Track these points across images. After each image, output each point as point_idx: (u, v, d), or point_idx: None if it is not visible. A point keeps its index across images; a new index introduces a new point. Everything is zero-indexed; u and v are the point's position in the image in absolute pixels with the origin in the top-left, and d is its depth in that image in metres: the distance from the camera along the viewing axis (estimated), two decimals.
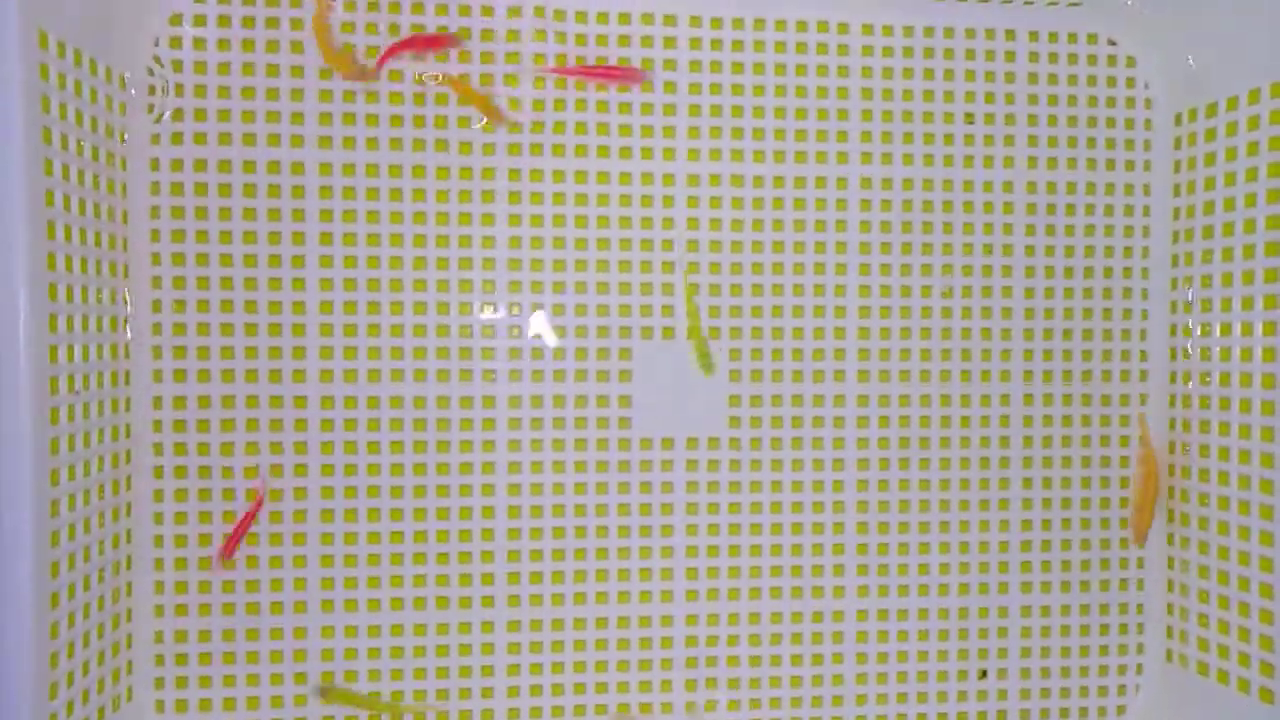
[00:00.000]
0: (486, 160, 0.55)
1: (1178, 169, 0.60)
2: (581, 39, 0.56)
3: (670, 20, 0.56)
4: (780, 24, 0.57)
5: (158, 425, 0.53)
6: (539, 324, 0.56)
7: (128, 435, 0.52)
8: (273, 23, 0.53)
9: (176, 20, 0.52)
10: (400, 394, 0.55)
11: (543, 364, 0.56)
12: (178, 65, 0.52)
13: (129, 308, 0.52)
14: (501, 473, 0.56)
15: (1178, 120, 0.60)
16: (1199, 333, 0.58)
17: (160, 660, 0.53)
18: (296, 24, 0.53)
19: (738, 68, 0.57)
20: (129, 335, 0.52)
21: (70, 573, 0.45)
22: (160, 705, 0.53)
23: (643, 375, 0.57)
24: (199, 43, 0.53)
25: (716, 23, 0.57)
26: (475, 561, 0.56)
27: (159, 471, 0.53)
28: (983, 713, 0.60)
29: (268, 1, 0.53)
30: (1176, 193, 0.60)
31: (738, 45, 0.57)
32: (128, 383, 0.52)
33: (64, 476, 0.45)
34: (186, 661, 0.53)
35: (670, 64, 0.57)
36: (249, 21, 0.53)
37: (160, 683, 0.53)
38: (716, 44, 0.57)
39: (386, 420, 0.55)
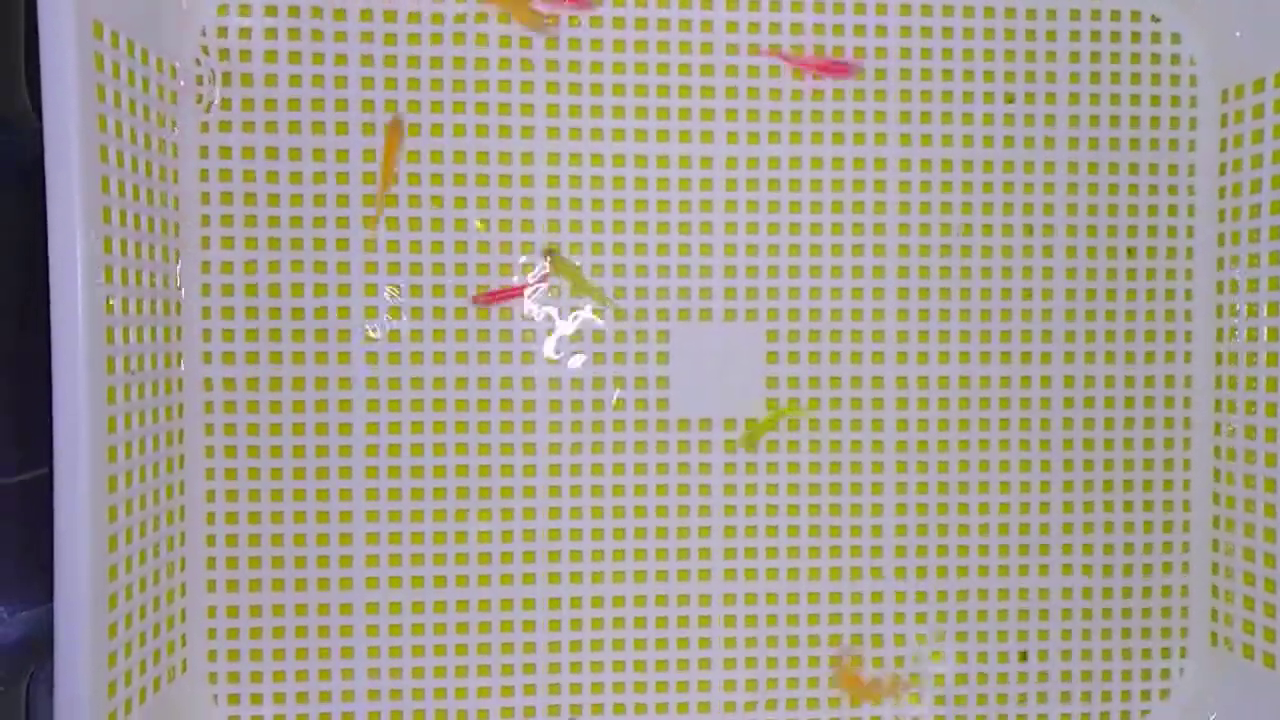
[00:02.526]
0: (525, 144, 0.56)
1: (1224, 147, 0.59)
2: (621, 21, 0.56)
3: (707, 4, 0.57)
4: (819, 6, 0.57)
5: (209, 406, 0.54)
6: (577, 305, 0.57)
7: (180, 415, 0.53)
8: (317, 11, 0.54)
9: (223, 10, 0.54)
10: (442, 375, 0.56)
11: (580, 345, 0.57)
12: (224, 54, 0.54)
13: (181, 291, 0.53)
14: (542, 454, 0.57)
15: (1224, 97, 0.59)
16: (1245, 313, 0.57)
17: (213, 634, 0.55)
18: (339, 14, 0.54)
19: (774, 49, 0.57)
20: (181, 318, 0.53)
21: (127, 546, 0.47)
22: (213, 677, 0.55)
23: (680, 357, 0.57)
24: (244, 32, 0.54)
25: (754, 5, 0.57)
26: (516, 540, 0.57)
27: (210, 451, 0.54)
28: (1023, 695, 0.59)
29: None
30: (1222, 171, 0.59)
31: (774, 28, 0.57)
32: (180, 364, 0.53)
33: (121, 453, 0.46)
34: (238, 635, 0.55)
35: (707, 47, 0.57)
36: (294, 10, 0.54)
37: (213, 655, 0.55)
38: (754, 27, 0.57)
39: (430, 400, 0.56)
